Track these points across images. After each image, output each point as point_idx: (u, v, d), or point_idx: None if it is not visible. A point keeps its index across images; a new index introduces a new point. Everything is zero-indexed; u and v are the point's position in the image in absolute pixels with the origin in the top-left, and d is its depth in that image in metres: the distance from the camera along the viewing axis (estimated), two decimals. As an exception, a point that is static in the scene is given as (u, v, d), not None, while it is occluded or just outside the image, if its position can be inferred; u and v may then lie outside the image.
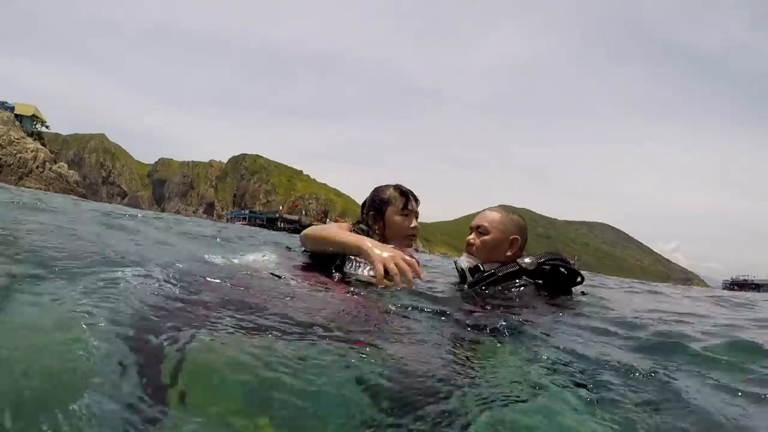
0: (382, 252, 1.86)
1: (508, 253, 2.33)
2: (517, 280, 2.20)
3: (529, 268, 2.18)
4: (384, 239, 2.30)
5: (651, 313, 2.61)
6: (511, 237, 2.35)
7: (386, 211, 2.37)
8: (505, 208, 2.49)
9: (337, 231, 2.14)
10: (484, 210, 2.51)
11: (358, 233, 2.17)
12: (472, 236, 2.42)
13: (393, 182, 2.50)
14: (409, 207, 2.41)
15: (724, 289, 73.78)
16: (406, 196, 2.42)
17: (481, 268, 2.31)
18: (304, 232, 2.27)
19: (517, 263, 2.20)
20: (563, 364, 1.17)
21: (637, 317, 2.11)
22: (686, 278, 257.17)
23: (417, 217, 2.47)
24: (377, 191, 2.45)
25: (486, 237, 2.35)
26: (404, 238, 2.38)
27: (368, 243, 1.94)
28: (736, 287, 73.91)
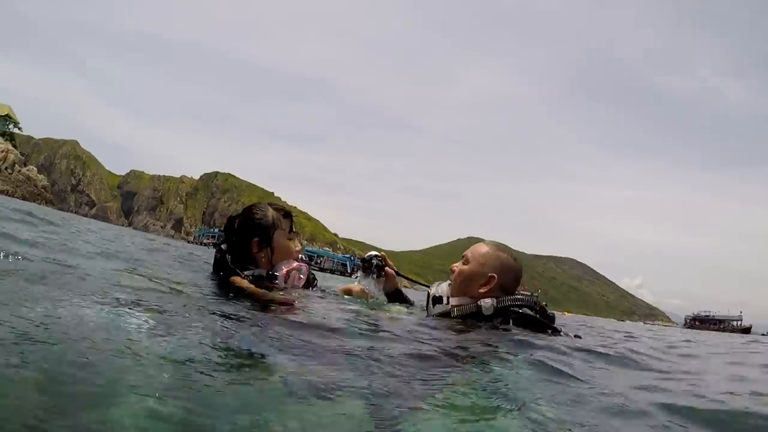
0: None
1: (482, 290, 2.17)
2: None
3: (486, 313, 2.08)
4: (271, 265, 2.22)
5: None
6: (489, 274, 2.18)
7: (274, 236, 2.23)
8: (497, 246, 2.32)
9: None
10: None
11: (236, 269, 2.10)
12: (458, 264, 2.30)
13: (260, 203, 2.34)
14: (294, 229, 2.33)
15: (685, 325, 76.51)
16: (291, 218, 2.34)
17: (444, 301, 2.23)
18: None
19: (477, 304, 2.11)
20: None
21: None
22: (651, 314, 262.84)
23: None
24: (254, 214, 2.27)
25: (465, 267, 2.24)
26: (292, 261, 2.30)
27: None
28: (697, 323, 76.31)
